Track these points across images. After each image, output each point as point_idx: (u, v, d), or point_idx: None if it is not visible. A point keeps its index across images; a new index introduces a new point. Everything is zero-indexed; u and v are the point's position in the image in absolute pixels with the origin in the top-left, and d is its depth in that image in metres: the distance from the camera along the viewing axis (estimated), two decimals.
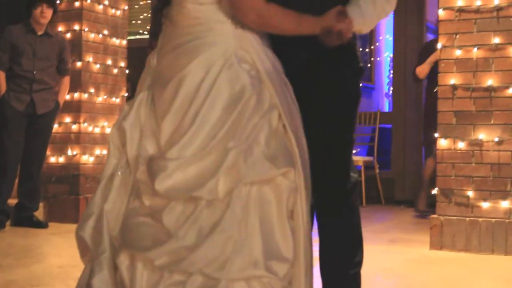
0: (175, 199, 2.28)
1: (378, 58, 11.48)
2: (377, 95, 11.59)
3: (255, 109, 2.34)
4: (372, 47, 11.27)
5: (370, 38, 11.13)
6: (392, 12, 2.90)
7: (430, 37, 9.07)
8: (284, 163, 2.30)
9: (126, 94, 7.24)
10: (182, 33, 2.45)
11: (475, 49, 5.26)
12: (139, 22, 10.77)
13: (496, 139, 5.15)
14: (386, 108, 11.39)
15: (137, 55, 8.63)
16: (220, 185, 2.23)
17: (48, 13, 6.22)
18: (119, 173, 2.47)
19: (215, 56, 2.38)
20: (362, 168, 8.61)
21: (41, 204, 6.57)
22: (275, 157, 2.30)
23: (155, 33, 2.63)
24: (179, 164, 2.27)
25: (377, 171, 8.86)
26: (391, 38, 10.17)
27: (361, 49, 2.85)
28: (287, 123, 2.38)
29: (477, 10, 5.25)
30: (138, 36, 10.68)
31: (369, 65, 11.26)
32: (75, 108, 6.75)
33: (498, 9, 5.19)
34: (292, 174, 2.31)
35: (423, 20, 9.39)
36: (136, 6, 10.66)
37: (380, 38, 11.40)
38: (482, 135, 5.20)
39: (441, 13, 5.39)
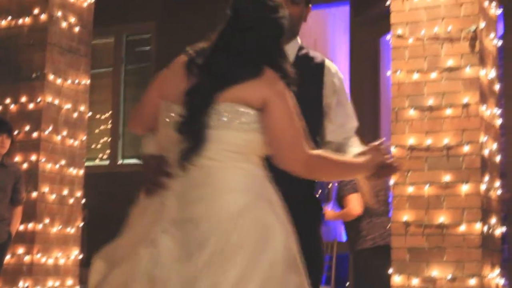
0: None
1: (336, 184, 11.57)
2: (334, 223, 11.62)
3: (285, 258, 2.30)
4: None
5: None
6: None
7: None
8: None
9: (81, 224, 7.17)
10: (197, 184, 2.35)
11: (427, 186, 5.36)
12: (98, 146, 10.81)
13: (449, 277, 5.18)
14: (343, 236, 11.39)
15: (95, 182, 8.64)
16: None
17: (7, 143, 6.19)
18: None
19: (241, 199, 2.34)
20: None
21: None
22: None
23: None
24: None
25: None
26: None
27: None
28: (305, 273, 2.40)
29: (428, 149, 5.39)
30: (97, 161, 10.69)
31: (326, 191, 11.34)
32: (28, 239, 6.64)
33: (448, 148, 5.33)
34: None
35: None
36: (96, 131, 10.72)
37: None
38: (435, 272, 5.23)
39: (393, 150, 5.52)
